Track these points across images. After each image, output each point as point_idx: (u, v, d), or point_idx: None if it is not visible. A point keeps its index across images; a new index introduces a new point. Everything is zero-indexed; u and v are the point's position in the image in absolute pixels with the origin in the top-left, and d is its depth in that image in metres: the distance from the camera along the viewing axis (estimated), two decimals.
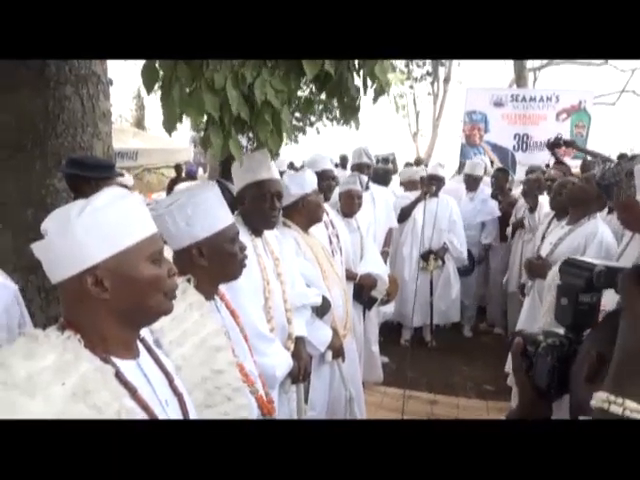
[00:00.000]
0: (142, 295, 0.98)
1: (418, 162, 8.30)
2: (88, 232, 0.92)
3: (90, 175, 2.38)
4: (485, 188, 5.41)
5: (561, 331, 0.81)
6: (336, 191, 3.60)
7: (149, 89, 1.51)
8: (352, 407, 2.69)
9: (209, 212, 1.50)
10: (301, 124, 12.16)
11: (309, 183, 2.60)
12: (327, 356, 2.55)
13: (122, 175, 3.00)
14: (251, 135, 2.47)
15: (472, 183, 5.27)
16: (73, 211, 0.94)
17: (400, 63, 15.94)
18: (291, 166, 6.79)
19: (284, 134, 1.66)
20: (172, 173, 8.99)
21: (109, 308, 0.96)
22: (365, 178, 3.93)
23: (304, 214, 2.59)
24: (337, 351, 2.58)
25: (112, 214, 0.95)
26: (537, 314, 3.00)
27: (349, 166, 6.76)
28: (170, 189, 7.23)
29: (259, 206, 2.08)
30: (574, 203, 2.97)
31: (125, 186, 6.23)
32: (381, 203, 4.35)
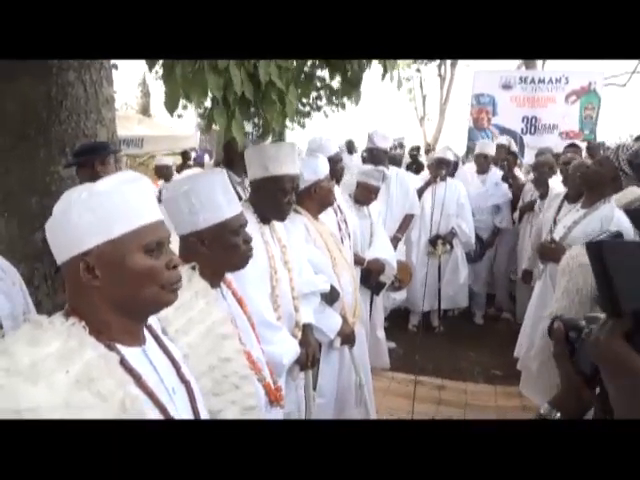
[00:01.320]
0: (135, 286, 0.96)
1: (427, 150, 8.21)
2: (82, 216, 0.91)
3: (87, 159, 2.40)
4: (497, 171, 5.28)
5: (603, 316, 0.80)
6: (349, 176, 3.60)
7: (151, 66, 1.50)
8: (362, 393, 2.70)
9: (213, 202, 1.47)
10: (307, 109, 12.03)
11: (322, 169, 2.58)
12: (335, 343, 2.55)
13: (119, 152, 2.99)
14: (256, 121, 2.46)
15: (483, 163, 5.12)
16: (74, 194, 0.93)
17: None
18: None
19: (289, 113, 1.64)
20: (178, 160, 8.98)
21: (102, 296, 0.95)
22: (387, 172, 3.90)
23: (316, 200, 2.58)
24: (347, 338, 2.57)
25: (109, 200, 0.93)
26: (548, 299, 2.97)
27: (360, 152, 6.64)
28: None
29: (277, 199, 2.06)
30: (589, 186, 2.91)
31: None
32: (398, 187, 4.29)
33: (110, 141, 2.65)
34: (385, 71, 1.78)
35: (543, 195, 4.35)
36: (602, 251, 0.60)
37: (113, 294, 0.95)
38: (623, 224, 2.70)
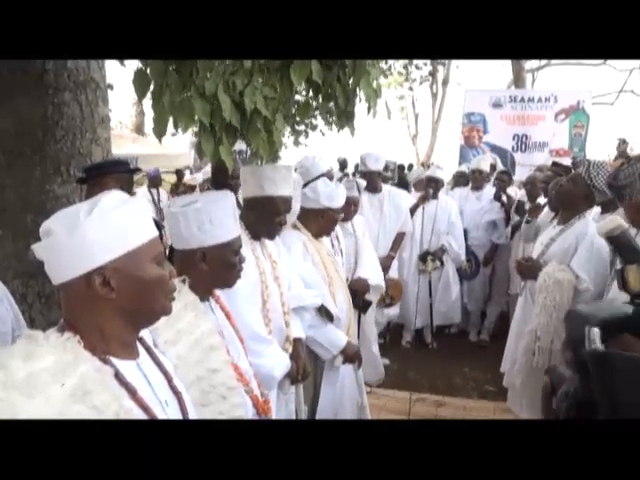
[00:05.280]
0: (147, 295, 1.00)
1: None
2: (98, 232, 0.93)
3: (120, 170, 2.41)
4: (492, 187, 5.26)
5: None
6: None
7: (141, 96, 1.55)
8: (365, 414, 2.69)
9: (222, 222, 1.53)
10: (303, 127, 12.13)
11: (338, 199, 2.63)
12: (337, 361, 2.55)
13: (139, 170, 3.03)
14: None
15: (478, 179, 5.13)
16: (82, 212, 0.94)
17: (399, 65, 15.99)
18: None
19: (276, 142, 1.70)
20: (173, 178, 9.01)
21: (114, 308, 0.97)
22: (363, 183, 3.91)
23: (320, 224, 2.62)
24: (349, 357, 2.57)
25: (120, 215, 0.96)
26: (529, 315, 2.99)
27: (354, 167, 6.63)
28: (173, 194, 7.27)
29: (270, 219, 2.11)
30: (563, 203, 2.96)
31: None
32: (391, 205, 4.31)
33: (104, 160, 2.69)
34: (370, 106, 1.85)
35: (529, 221, 4.34)
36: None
37: (126, 304, 0.97)
38: (597, 240, 2.74)
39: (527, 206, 4.46)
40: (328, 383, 2.61)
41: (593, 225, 2.81)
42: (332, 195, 2.60)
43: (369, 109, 1.90)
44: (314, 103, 2.02)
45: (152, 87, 1.54)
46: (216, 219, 1.51)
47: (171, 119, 1.57)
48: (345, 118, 1.97)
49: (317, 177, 3.34)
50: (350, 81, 1.84)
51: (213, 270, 1.54)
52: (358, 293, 3.35)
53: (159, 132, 1.55)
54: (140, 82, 1.52)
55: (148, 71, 1.52)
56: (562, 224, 2.93)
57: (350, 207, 3.47)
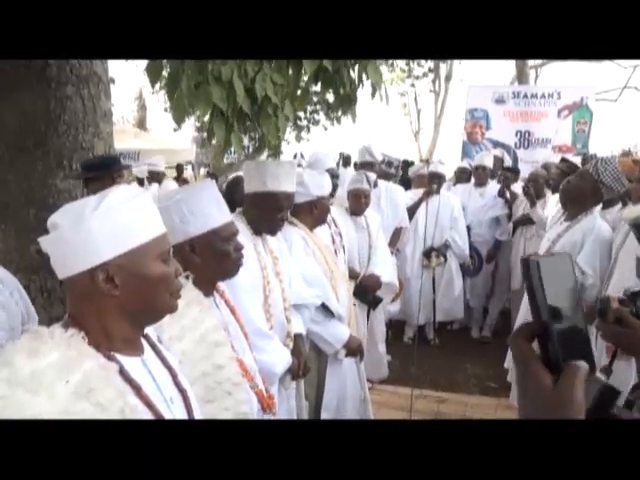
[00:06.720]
0: (151, 293, 0.99)
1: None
2: (103, 228, 0.92)
3: (104, 173, 2.46)
4: (495, 184, 5.25)
5: None
6: (342, 190, 3.62)
7: (153, 83, 1.55)
8: (367, 407, 2.71)
9: (203, 210, 1.50)
10: (305, 123, 12.15)
11: (327, 186, 2.64)
12: (340, 354, 2.56)
13: (128, 167, 3.11)
14: (252, 134, 2.51)
15: (482, 175, 5.11)
16: (88, 207, 0.94)
17: (401, 61, 15.96)
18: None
19: (281, 127, 1.70)
20: (174, 173, 9.02)
21: (118, 305, 0.96)
22: (373, 176, 3.90)
23: (315, 215, 2.62)
24: (353, 350, 2.58)
25: (126, 212, 0.95)
26: None
27: (352, 164, 6.68)
28: None
29: (272, 215, 2.10)
30: (571, 199, 2.95)
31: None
32: (388, 201, 4.33)
33: (107, 154, 2.68)
34: (374, 90, 1.84)
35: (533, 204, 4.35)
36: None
37: (129, 302, 0.96)
38: (603, 234, 2.73)
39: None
40: (332, 377, 2.62)
41: (600, 221, 2.81)
42: (321, 183, 2.60)
43: (373, 94, 1.89)
44: (312, 90, 2.00)
45: (168, 73, 1.54)
46: (196, 208, 1.48)
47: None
48: (347, 104, 1.96)
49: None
50: (357, 67, 1.84)
51: (206, 261, 1.51)
52: (369, 289, 3.36)
53: (178, 118, 1.55)
54: (153, 70, 1.52)
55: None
56: (569, 220, 2.92)
57: (360, 199, 3.45)
